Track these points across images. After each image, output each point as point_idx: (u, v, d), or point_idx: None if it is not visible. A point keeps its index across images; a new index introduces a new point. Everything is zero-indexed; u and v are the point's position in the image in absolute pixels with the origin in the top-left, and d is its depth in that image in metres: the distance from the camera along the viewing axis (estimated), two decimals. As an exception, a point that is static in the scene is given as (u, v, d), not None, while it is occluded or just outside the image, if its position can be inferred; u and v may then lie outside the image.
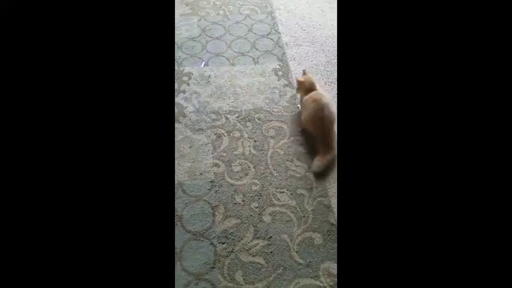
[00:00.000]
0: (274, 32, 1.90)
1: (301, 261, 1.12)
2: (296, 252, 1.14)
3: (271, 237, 1.17)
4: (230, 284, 1.06)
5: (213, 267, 1.09)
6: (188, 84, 1.63)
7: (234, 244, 1.15)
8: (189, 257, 1.11)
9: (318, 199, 1.27)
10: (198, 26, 1.92)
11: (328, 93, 1.63)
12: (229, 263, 1.10)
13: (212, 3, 2.06)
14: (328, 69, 1.73)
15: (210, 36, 1.87)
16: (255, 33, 1.89)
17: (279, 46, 1.83)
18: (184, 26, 1.91)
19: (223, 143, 1.42)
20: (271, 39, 1.86)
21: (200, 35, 1.87)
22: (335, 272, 1.10)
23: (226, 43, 1.84)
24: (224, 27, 1.92)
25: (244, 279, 1.07)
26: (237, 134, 1.45)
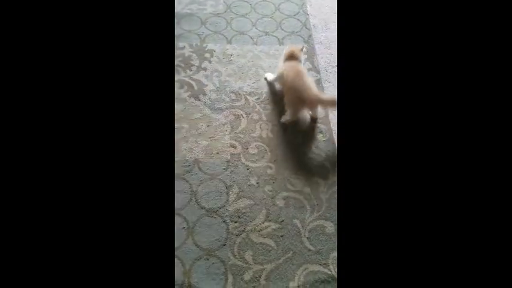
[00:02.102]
0: (303, 12, 1.83)
1: (311, 247, 1.13)
2: (307, 238, 1.14)
3: (283, 221, 1.17)
4: (239, 263, 1.08)
5: (224, 245, 1.11)
6: (210, 62, 1.61)
7: (246, 224, 1.16)
8: (202, 233, 1.14)
9: (333, 189, 1.25)
10: (223, 2, 1.87)
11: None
12: (240, 242, 1.12)
13: (240, -22, 1.99)
14: (355, 55, 1.67)
15: (235, 13, 1.81)
16: (282, 13, 1.82)
17: (306, 28, 1.76)
18: (209, 1, 1.86)
19: (241, 124, 1.41)
20: (298, 20, 1.79)
21: (225, 12, 1.82)
22: (344, 261, 1.10)
23: (251, 21, 1.78)
24: (250, 4, 1.86)
25: (253, 259, 1.09)
26: (256, 116, 1.43)
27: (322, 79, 1.56)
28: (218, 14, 1.81)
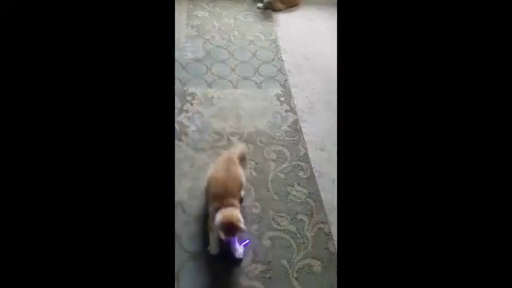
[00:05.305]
0: (278, 59, 1.98)
1: (300, 288, 1.11)
2: (295, 278, 1.13)
3: (270, 262, 1.16)
4: (228, 310, 1.03)
5: (211, 292, 1.06)
6: (192, 104, 1.66)
7: (233, 267, 1.13)
8: (187, 278, 1.08)
9: (318, 225, 1.28)
10: (203, 48, 1.98)
11: (328, 121, 1.69)
12: (227, 286, 1.08)
13: (217, 27, 2.14)
14: (327, 98, 1.80)
15: (214, 59, 1.92)
16: (259, 59, 1.96)
17: (282, 73, 1.90)
18: (190, 48, 1.97)
19: (225, 163, 1.43)
20: (274, 65, 1.94)
21: (205, 57, 1.92)
22: (334, 300, 1.09)
23: (230, 67, 1.89)
24: (229, 51, 1.99)
25: (242, 306, 1.05)
26: (239, 156, 1.46)
27: (300, 119, 1.66)
28: (198, 59, 1.90)
